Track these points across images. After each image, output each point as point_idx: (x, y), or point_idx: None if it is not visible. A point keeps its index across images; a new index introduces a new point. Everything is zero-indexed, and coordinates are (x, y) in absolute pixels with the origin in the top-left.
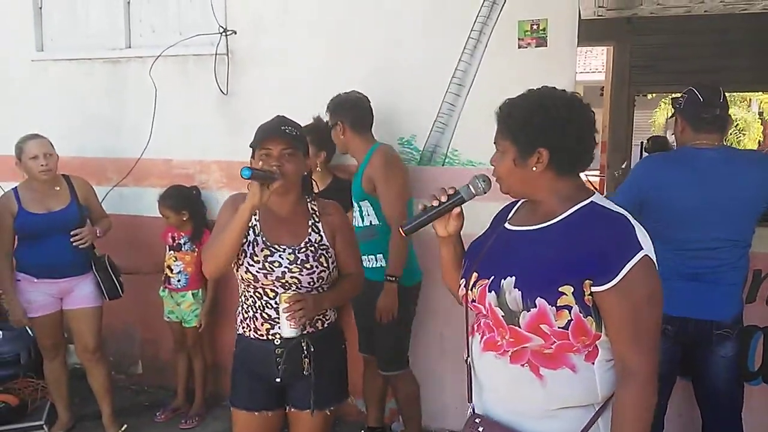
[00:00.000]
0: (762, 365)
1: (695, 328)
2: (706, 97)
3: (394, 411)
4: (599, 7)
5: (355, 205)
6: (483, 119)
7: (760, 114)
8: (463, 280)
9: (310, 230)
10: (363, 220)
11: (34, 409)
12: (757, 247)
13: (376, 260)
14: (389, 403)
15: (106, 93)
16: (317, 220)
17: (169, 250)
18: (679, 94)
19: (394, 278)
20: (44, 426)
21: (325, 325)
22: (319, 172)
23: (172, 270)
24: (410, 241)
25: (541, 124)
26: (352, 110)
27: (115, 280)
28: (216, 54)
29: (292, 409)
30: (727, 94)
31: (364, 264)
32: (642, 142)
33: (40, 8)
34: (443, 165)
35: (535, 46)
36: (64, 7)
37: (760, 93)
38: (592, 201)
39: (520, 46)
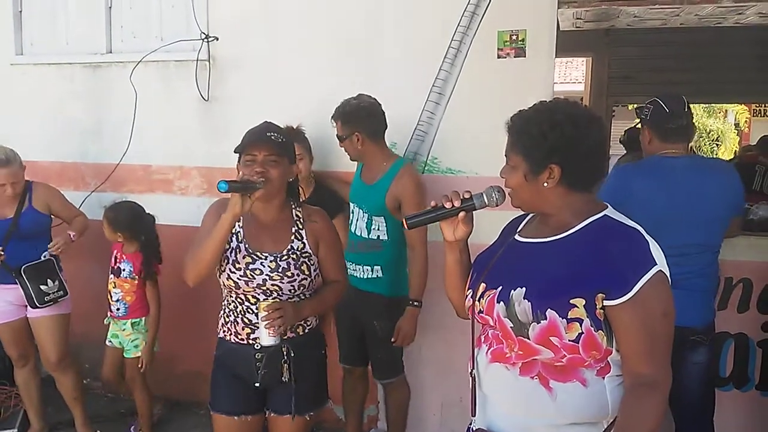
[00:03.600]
0: (733, 371)
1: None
2: (671, 107)
3: (372, 418)
4: (577, 18)
5: (363, 214)
6: (463, 128)
7: (736, 125)
8: (470, 291)
9: (292, 237)
10: (369, 233)
11: (7, 416)
12: (728, 255)
13: (372, 271)
14: (367, 410)
15: (86, 98)
16: (301, 227)
17: (110, 273)
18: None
19: (418, 303)
20: None
21: (306, 331)
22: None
23: (111, 296)
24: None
25: (554, 142)
26: (369, 119)
27: (30, 288)
28: (197, 60)
29: (272, 414)
30: (702, 106)
31: (358, 274)
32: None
33: (20, 12)
34: (423, 173)
35: (514, 57)
36: (45, 11)
37: (736, 104)
38: (605, 214)
39: (499, 56)
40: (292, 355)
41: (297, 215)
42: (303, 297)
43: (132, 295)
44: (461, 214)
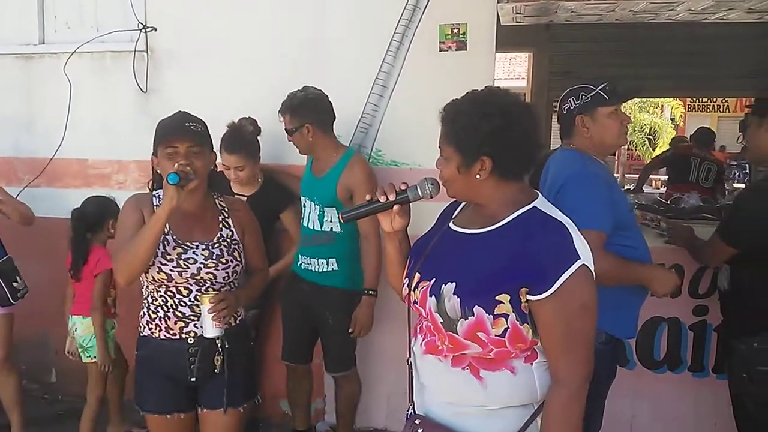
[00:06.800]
0: (666, 354)
1: None
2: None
3: (319, 411)
4: (517, 13)
5: (315, 207)
6: (406, 120)
7: (672, 119)
8: (407, 279)
9: (221, 226)
10: (323, 225)
11: None
12: (660, 241)
13: (327, 264)
14: (315, 403)
15: (18, 90)
16: (227, 215)
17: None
18: None
19: (374, 292)
20: None
21: (237, 322)
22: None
23: None
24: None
25: (484, 133)
26: (318, 110)
27: (4, 285)
28: (135, 51)
29: (204, 410)
30: (635, 101)
31: (313, 268)
32: None
33: None
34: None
35: (456, 50)
36: None
37: (671, 99)
38: (534, 206)
39: (441, 50)
40: (226, 346)
41: (221, 205)
42: (234, 285)
43: None
44: (396, 206)
